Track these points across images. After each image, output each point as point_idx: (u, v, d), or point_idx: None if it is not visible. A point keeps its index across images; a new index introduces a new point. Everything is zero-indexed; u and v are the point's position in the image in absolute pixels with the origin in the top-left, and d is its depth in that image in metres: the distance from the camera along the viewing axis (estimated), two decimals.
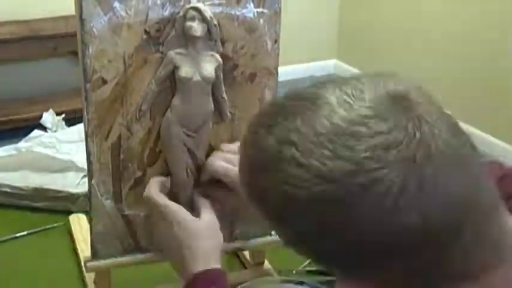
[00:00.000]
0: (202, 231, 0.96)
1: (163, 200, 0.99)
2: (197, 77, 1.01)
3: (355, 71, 3.10)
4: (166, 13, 0.98)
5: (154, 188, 1.01)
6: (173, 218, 0.97)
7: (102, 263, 1.07)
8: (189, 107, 1.02)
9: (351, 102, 0.53)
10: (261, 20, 1.03)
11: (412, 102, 0.54)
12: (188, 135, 1.04)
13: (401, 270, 0.55)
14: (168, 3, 0.98)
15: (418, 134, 0.52)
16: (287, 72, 2.66)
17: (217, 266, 0.94)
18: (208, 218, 1.00)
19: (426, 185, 0.52)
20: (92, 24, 0.93)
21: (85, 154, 1.02)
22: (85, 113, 0.99)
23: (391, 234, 0.52)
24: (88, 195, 1.04)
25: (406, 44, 2.96)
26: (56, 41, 1.94)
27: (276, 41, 1.06)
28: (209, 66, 1.01)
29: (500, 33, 2.56)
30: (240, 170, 0.62)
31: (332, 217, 0.53)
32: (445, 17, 2.81)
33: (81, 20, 0.93)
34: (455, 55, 2.77)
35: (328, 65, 3.13)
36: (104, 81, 0.97)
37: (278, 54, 1.07)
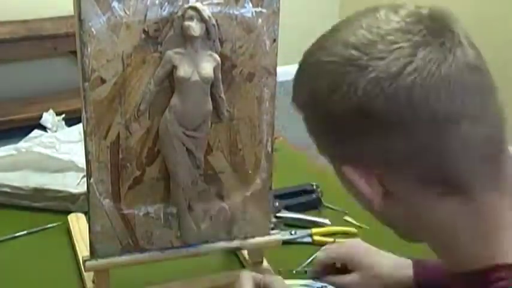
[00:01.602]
0: None
1: None
2: (195, 77, 1.01)
3: None
4: (165, 13, 0.98)
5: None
6: None
7: (100, 262, 1.07)
8: (187, 107, 1.02)
9: (397, 9, 0.65)
10: (260, 20, 1.03)
11: (446, 20, 0.64)
12: (187, 135, 1.05)
13: (393, 150, 0.61)
14: (166, 3, 0.98)
15: (448, 46, 0.61)
16: (287, 72, 2.65)
17: None
18: None
19: (434, 74, 0.59)
20: (90, 24, 0.94)
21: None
22: (83, 112, 0.99)
23: (391, 104, 0.59)
24: (86, 195, 1.04)
25: None
26: (56, 41, 1.94)
27: (274, 41, 1.06)
28: (208, 65, 1.01)
29: (503, 32, 2.56)
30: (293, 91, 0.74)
31: (348, 76, 0.61)
32: None
33: (80, 20, 0.94)
34: None
35: None
36: (103, 81, 0.98)
37: (277, 54, 1.07)
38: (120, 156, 1.03)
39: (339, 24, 0.70)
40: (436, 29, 0.61)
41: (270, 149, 1.13)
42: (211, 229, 1.13)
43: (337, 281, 1.08)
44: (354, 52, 0.62)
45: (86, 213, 1.26)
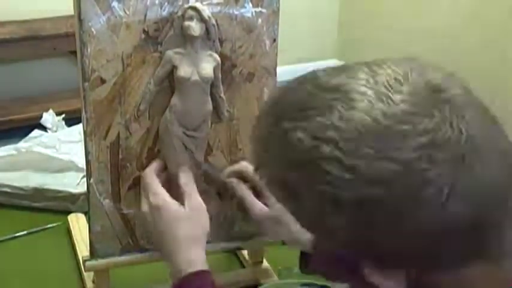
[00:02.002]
0: (185, 214, 0.95)
1: (154, 182, 0.98)
2: (196, 77, 1.01)
3: None
4: (165, 13, 0.98)
5: (150, 172, 1.00)
6: (158, 203, 0.96)
7: (100, 262, 1.07)
8: (187, 107, 1.02)
9: (390, 94, 0.50)
10: (259, 20, 1.03)
11: (451, 95, 0.52)
12: (187, 135, 1.05)
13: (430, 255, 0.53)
14: (166, 3, 0.98)
15: (464, 131, 0.50)
16: (287, 72, 2.66)
17: (200, 252, 0.94)
18: (193, 203, 0.98)
19: (475, 181, 0.50)
20: (90, 24, 0.94)
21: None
22: (83, 112, 0.99)
23: (441, 230, 0.50)
24: (86, 195, 1.04)
25: (407, 45, 2.96)
26: (56, 41, 1.94)
27: (274, 41, 1.06)
28: (208, 65, 1.01)
29: (503, 32, 2.56)
30: (260, 166, 0.57)
31: (378, 218, 0.50)
32: (447, 16, 2.81)
33: (80, 20, 0.94)
34: (456, 54, 2.77)
35: (328, 65, 3.13)
36: (103, 81, 0.98)
37: (276, 54, 1.07)
38: (120, 156, 1.03)
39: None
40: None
41: None
42: (211, 229, 1.13)
43: (248, 198, 1.00)
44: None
45: (85, 214, 1.26)
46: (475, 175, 0.51)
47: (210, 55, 1.01)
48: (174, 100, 1.02)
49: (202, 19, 0.99)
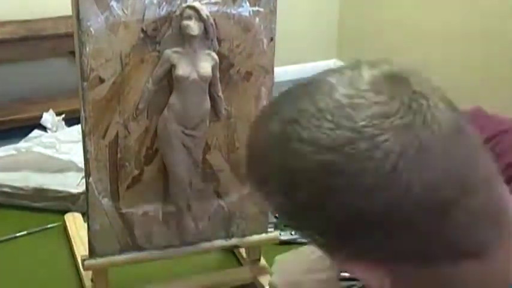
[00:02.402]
0: None
1: None
2: (194, 76, 1.01)
3: None
4: (163, 12, 0.98)
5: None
6: None
7: (99, 261, 1.07)
8: (186, 106, 1.03)
9: (351, 81, 0.55)
10: (257, 19, 1.04)
11: (409, 80, 0.56)
12: (186, 134, 1.05)
13: (401, 245, 0.55)
14: (164, 3, 0.98)
15: (414, 104, 0.53)
16: (287, 72, 2.66)
17: None
18: None
19: (424, 152, 0.52)
20: (89, 24, 0.93)
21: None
22: (82, 112, 0.99)
23: (391, 203, 0.53)
24: (85, 194, 1.05)
25: (407, 44, 2.95)
26: (56, 41, 1.93)
27: (271, 39, 1.06)
28: (206, 64, 1.02)
29: (504, 32, 2.56)
30: (247, 161, 0.60)
31: (335, 185, 0.53)
32: (447, 16, 2.81)
33: (78, 20, 0.93)
34: (457, 54, 2.77)
35: (328, 65, 3.12)
36: (101, 80, 0.97)
37: (274, 53, 1.07)
38: (119, 155, 1.03)
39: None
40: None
41: None
42: (209, 227, 1.13)
43: None
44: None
45: (84, 214, 1.27)
46: (425, 145, 0.53)
47: (208, 54, 1.02)
48: (173, 99, 1.02)
49: (200, 18, 0.99)
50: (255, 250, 1.20)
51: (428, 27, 2.89)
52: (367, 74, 0.57)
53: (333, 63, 3.16)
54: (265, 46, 1.06)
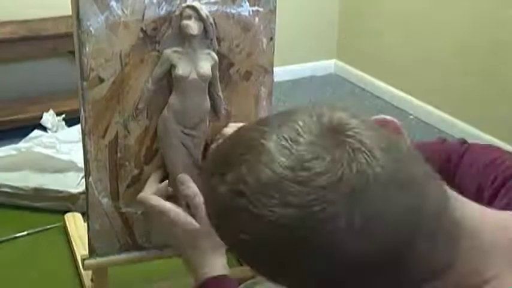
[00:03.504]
0: (202, 231, 0.97)
1: (161, 203, 0.99)
2: (194, 76, 1.01)
3: (355, 71, 3.10)
4: (163, 12, 0.98)
5: (150, 190, 1.01)
6: (172, 222, 0.97)
7: (99, 260, 1.07)
8: (186, 105, 1.03)
9: (289, 147, 0.55)
10: (256, 19, 1.04)
11: (345, 134, 0.55)
12: (185, 133, 1.05)
13: None
14: (164, 2, 0.98)
15: (354, 166, 0.53)
16: (287, 72, 2.66)
17: (222, 261, 0.96)
18: (205, 217, 1.00)
19: (371, 213, 0.53)
20: (88, 23, 0.94)
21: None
22: (82, 111, 0.99)
23: (346, 266, 0.54)
24: (85, 194, 1.05)
25: (407, 44, 2.96)
26: (56, 41, 1.95)
27: (271, 39, 1.06)
28: (206, 64, 1.02)
29: (504, 32, 2.56)
30: (206, 211, 0.65)
31: (288, 259, 0.55)
32: (447, 15, 2.82)
33: (78, 19, 0.94)
34: (457, 53, 2.77)
35: (328, 65, 3.13)
36: (101, 80, 0.98)
37: (273, 53, 1.07)
38: (119, 155, 1.03)
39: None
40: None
41: None
42: None
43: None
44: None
45: (83, 214, 1.26)
46: (370, 207, 0.53)
47: (208, 54, 1.02)
48: (172, 99, 1.02)
49: (200, 18, 0.99)
50: None
51: (429, 27, 2.89)
52: (304, 134, 0.55)
53: (333, 63, 3.18)
54: (264, 46, 1.06)
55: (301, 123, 0.56)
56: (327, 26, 3.10)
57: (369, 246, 0.53)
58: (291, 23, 2.65)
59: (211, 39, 1.01)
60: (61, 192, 1.43)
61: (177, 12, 0.99)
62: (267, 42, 1.06)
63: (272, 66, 1.08)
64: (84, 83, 0.97)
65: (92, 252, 1.07)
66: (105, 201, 1.04)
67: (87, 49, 0.95)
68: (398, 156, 0.56)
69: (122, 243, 1.08)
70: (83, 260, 1.08)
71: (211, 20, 1.00)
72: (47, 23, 2.00)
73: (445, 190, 0.59)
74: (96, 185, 1.03)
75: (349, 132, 0.55)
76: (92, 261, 1.07)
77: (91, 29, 0.94)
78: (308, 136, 0.55)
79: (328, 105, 0.59)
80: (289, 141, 0.55)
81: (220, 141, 0.65)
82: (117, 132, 1.01)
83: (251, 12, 1.03)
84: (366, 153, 0.54)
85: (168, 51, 1.00)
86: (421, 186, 0.57)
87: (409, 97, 2.85)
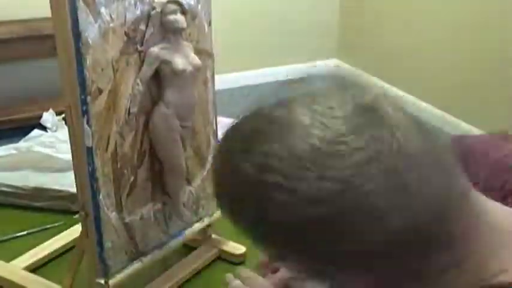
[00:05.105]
0: None
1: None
2: (190, 67, 1.02)
3: (355, 71, 3.09)
4: (138, 12, 0.98)
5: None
6: None
7: (118, 278, 1.05)
8: (183, 99, 1.04)
9: (324, 121, 0.53)
10: (199, 6, 1.07)
11: (382, 112, 0.55)
12: (182, 126, 1.06)
13: (391, 271, 0.56)
14: (138, 2, 0.97)
15: (395, 144, 0.53)
16: (287, 72, 2.65)
17: None
18: None
19: (411, 191, 0.53)
20: (86, 34, 0.90)
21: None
22: (86, 127, 0.94)
23: (381, 241, 0.53)
24: (95, 213, 0.99)
25: (407, 44, 2.95)
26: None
27: (210, 24, 1.10)
28: (193, 55, 1.03)
29: (504, 32, 2.56)
30: (218, 197, 0.60)
31: (323, 236, 0.53)
32: (446, 15, 2.81)
33: (78, 32, 0.89)
34: (457, 53, 2.77)
35: (328, 65, 3.12)
36: (100, 91, 0.94)
37: (211, 36, 1.10)
38: (118, 165, 1.01)
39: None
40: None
41: (215, 127, 1.17)
42: (188, 214, 1.16)
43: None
44: None
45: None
46: (411, 185, 0.53)
47: (188, 45, 1.04)
48: (170, 95, 1.02)
49: (183, 11, 1.00)
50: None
51: (429, 27, 2.89)
52: (338, 110, 0.54)
53: (333, 63, 3.17)
54: (206, 30, 1.09)
55: (333, 97, 0.56)
56: (327, 25, 3.09)
57: (405, 222, 0.52)
58: (291, 23, 2.64)
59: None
60: (61, 192, 1.44)
61: (158, 9, 0.99)
62: (207, 26, 1.09)
63: (212, 50, 1.11)
64: (88, 97, 0.93)
65: (107, 272, 1.03)
66: (113, 215, 1.02)
67: (87, 62, 0.91)
68: (432, 137, 0.57)
69: (128, 254, 1.07)
70: (105, 284, 1.03)
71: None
72: (47, 23, 1.99)
73: (466, 178, 0.60)
74: (105, 201, 1.00)
75: (384, 112, 0.55)
76: (113, 281, 1.04)
77: (89, 40, 0.91)
78: (343, 111, 0.54)
79: (359, 86, 0.58)
80: (324, 116, 0.54)
81: (235, 121, 0.59)
82: (115, 142, 0.99)
83: (196, 0, 1.06)
84: (404, 133, 0.54)
85: (155, 50, 0.99)
86: (452, 167, 0.57)
87: (410, 97, 2.85)
